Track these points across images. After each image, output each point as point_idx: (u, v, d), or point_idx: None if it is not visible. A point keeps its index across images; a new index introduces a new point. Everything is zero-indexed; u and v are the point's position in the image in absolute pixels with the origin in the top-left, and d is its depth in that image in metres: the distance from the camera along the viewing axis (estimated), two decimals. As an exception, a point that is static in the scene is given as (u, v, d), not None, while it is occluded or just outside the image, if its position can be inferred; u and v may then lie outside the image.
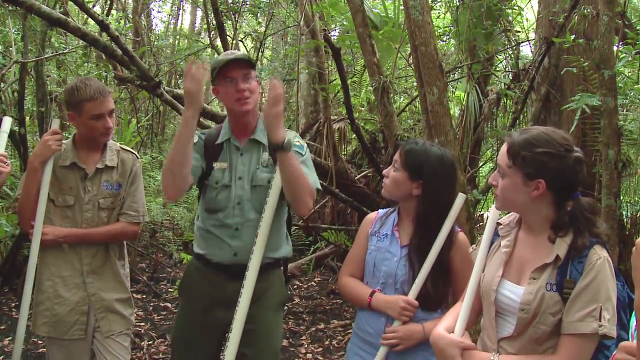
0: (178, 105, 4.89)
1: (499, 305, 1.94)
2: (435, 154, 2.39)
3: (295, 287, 6.88)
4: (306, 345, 5.17)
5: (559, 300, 1.79)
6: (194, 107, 2.47)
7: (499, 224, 2.05)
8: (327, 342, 5.24)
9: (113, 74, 5.57)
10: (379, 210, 2.63)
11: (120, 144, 3.08)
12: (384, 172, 2.49)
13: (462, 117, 7.12)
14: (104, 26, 4.62)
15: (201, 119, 4.98)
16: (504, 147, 1.92)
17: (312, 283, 7.02)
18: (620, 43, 4.60)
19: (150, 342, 5.03)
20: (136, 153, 3.11)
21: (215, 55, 6.49)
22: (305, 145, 2.79)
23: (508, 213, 2.08)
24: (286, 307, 6.05)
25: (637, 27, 5.29)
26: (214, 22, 5.85)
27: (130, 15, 10.82)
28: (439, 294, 2.34)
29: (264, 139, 2.70)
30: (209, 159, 2.74)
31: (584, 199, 1.89)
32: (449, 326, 2.03)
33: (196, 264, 2.83)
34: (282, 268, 2.91)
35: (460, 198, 2.35)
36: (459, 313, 2.03)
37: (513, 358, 1.87)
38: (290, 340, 5.27)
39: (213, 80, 2.69)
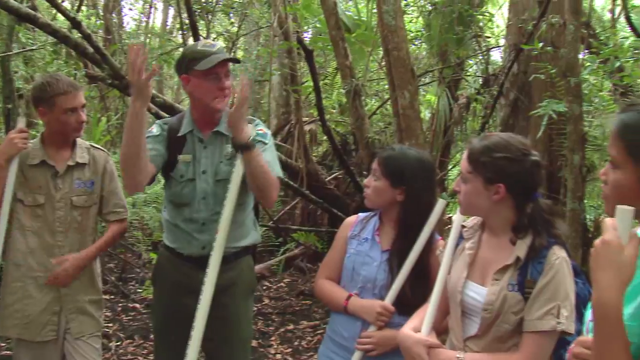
0: (150, 105, 4.85)
1: (464, 305, 1.98)
2: (414, 157, 2.40)
3: (264, 288, 6.87)
4: (275, 346, 5.18)
5: (521, 299, 1.85)
6: (142, 99, 2.38)
7: (463, 226, 2.10)
8: (296, 343, 5.25)
9: (84, 72, 5.51)
10: (359, 214, 2.61)
11: (91, 143, 3.06)
12: (365, 182, 2.48)
13: (433, 120, 7.22)
14: (75, 23, 4.57)
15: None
16: (464, 154, 1.98)
17: (282, 284, 7.02)
18: (586, 51, 4.72)
19: (118, 343, 4.99)
20: (106, 150, 3.10)
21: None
22: (269, 132, 2.78)
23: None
24: (255, 308, 6.06)
25: (601, 37, 5.43)
26: (187, 22, 5.84)
27: (101, 12, 10.70)
28: (416, 300, 2.29)
29: (228, 130, 2.68)
30: (173, 150, 2.70)
31: (542, 201, 1.96)
32: (416, 326, 2.07)
33: (167, 254, 2.83)
34: (251, 255, 2.91)
35: (440, 204, 2.34)
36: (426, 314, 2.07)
37: (478, 356, 1.92)
38: (260, 341, 5.26)
39: (185, 69, 2.61)
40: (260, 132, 2.70)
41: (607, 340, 1.23)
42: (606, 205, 1.41)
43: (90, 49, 4.67)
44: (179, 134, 2.71)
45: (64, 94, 2.73)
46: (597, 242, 1.28)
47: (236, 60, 2.67)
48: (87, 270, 2.92)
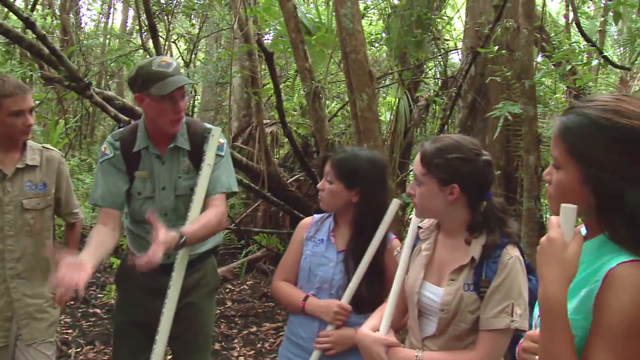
0: (108, 107, 4.81)
1: (421, 306, 2.02)
2: (366, 158, 2.43)
3: (227, 290, 6.84)
4: (238, 349, 5.17)
5: (477, 299, 1.90)
6: None
7: (419, 227, 2.14)
8: (259, 345, 5.25)
9: (39, 73, 5.40)
10: (314, 215, 2.64)
11: (43, 144, 3.01)
12: (319, 186, 2.49)
13: (393, 122, 7.29)
14: (29, 24, 4.47)
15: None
16: (417, 157, 2.03)
17: (245, 286, 7.00)
18: (540, 55, 4.84)
19: (78, 350, 4.91)
20: (59, 152, 3.05)
21: (147, 57, 6.38)
22: (226, 143, 2.77)
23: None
24: (218, 311, 6.03)
25: (554, 42, 5.58)
26: (146, 23, 5.78)
27: (57, 12, 10.50)
28: (373, 299, 2.33)
29: (185, 144, 2.67)
30: (130, 168, 2.67)
31: (495, 199, 2.02)
32: (374, 325, 2.11)
33: (131, 257, 2.80)
34: (214, 254, 2.97)
35: (394, 204, 2.40)
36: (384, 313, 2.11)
37: (436, 355, 1.96)
38: (223, 344, 5.25)
39: (139, 89, 2.55)
40: (218, 144, 2.70)
41: (552, 333, 1.28)
42: (551, 204, 1.47)
43: (46, 50, 4.58)
44: (134, 150, 2.66)
45: (11, 96, 2.64)
46: (542, 239, 1.34)
47: (192, 82, 2.63)
48: (41, 274, 2.86)
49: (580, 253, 1.30)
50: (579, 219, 1.39)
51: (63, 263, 2.17)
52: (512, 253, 1.91)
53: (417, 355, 1.95)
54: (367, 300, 2.34)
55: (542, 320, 1.30)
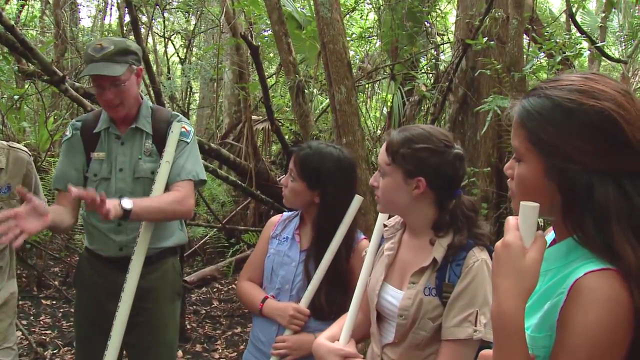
0: (84, 102, 4.64)
1: (381, 310, 1.86)
2: (331, 157, 2.27)
3: (214, 290, 6.72)
4: (220, 350, 5.04)
5: (439, 304, 1.73)
6: None
7: (385, 225, 1.98)
8: (242, 347, 5.10)
9: (16, 67, 5.25)
10: (284, 213, 2.51)
11: (34, 142, 2.87)
12: (282, 181, 2.36)
13: (388, 117, 7.15)
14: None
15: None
16: (383, 146, 1.85)
17: (233, 286, 6.85)
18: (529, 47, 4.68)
19: (55, 351, 4.77)
20: (27, 150, 2.91)
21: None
22: (193, 131, 2.68)
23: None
24: (204, 311, 5.90)
25: (544, 32, 5.39)
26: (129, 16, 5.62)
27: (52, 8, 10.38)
28: (333, 304, 2.21)
29: (148, 127, 2.59)
30: (87, 149, 2.59)
31: (465, 197, 1.84)
32: (334, 334, 1.95)
33: (87, 257, 2.72)
34: (178, 256, 2.80)
35: (356, 201, 2.23)
36: None
37: None
38: (205, 345, 5.12)
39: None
40: (183, 130, 2.60)
41: (506, 353, 1.10)
42: (513, 202, 1.28)
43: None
44: (95, 131, 2.59)
45: None
46: (497, 244, 1.15)
47: (112, 76, 2.42)
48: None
49: (542, 261, 1.10)
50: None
51: (28, 203, 2.13)
52: (478, 256, 1.73)
53: (373, 367, 1.79)
54: (324, 306, 2.20)
55: (495, 339, 1.12)
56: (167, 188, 2.52)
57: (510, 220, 1.16)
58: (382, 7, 7.08)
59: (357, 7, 7.63)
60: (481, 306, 1.68)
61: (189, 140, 2.60)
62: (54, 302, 6.04)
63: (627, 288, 1.06)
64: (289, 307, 2.22)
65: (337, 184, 2.24)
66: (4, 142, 2.79)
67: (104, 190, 2.49)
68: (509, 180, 1.31)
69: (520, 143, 1.21)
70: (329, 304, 2.21)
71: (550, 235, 1.32)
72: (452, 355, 1.70)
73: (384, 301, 1.85)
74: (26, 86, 6.19)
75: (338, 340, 1.92)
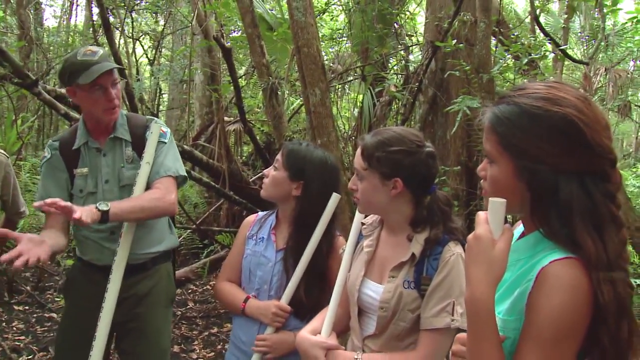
0: (58, 105, 4.64)
1: (362, 304, 1.95)
2: (318, 156, 2.34)
3: (189, 291, 6.72)
4: (198, 350, 5.06)
5: (417, 297, 1.83)
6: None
7: (363, 224, 2.07)
8: (219, 347, 5.15)
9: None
10: (259, 213, 2.56)
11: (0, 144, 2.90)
12: (264, 172, 2.42)
13: (359, 118, 7.25)
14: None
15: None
16: (358, 151, 1.94)
17: (208, 287, 6.88)
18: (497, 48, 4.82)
19: (29, 357, 4.73)
20: (4, 152, 2.93)
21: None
22: (169, 131, 2.71)
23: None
24: (180, 312, 5.92)
25: (513, 35, 5.56)
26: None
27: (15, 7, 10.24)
28: (312, 301, 2.25)
29: (126, 135, 2.61)
30: (69, 166, 2.59)
31: (439, 192, 1.95)
32: (315, 328, 2.03)
33: (80, 267, 2.71)
34: (170, 261, 2.82)
35: (334, 198, 2.28)
36: None
37: (376, 356, 1.89)
38: (182, 345, 5.14)
39: (68, 82, 2.47)
40: (161, 132, 2.64)
41: (479, 336, 1.21)
42: (486, 201, 1.39)
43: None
44: (74, 147, 2.60)
45: None
46: (469, 236, 1.26)
47: (119, 67, 2.53)
48: None
49: (509, 251, 1.22)
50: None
51: (24, 237, 2.14)
52: (454, 250, 1.84)
53: (356, 358, 1.88)
54: (305, 304, 2.25)
55: (469, 323, 1.24)
56: (148, 187, 2.54)
57: (481, 214, 1.27)
58: (352, 9, 7.18)
59: (327, 9, 7.72)
60: (457, 297, 1.78)
61: (166, 141, 2.63)
62: (27, 307, 5.97)
63: (587, 275, 1.19)
64: (270, 305, 2.27)
65: (319, 181, 2.30)
66: None
67: (92, 204, 2.49)
68: (482, 180, 1.41)
69: (491, 147, 1.32)
70: (308, 299, 2.25)
71: (519, 228, 1.44)
72: (430, 343, 1.81)
73: (365, 295, 1.93)
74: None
75: (320, 333, 2.00)
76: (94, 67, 2.41)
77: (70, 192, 2.60)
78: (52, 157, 2.59)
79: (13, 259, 2.04)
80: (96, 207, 2.27)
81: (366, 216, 2.09)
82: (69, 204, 2.18)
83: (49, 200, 2.16)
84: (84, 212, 2.20)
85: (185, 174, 2.70)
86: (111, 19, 9.61)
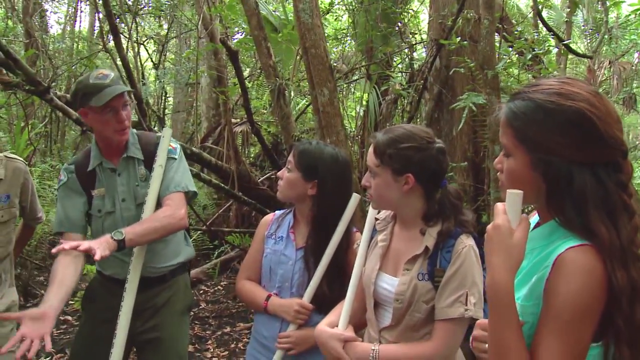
0: (70, 111, 4.71)
1: (377, 296, 2.01)
2: (329, 153, 2.39)
3: (201, 292, 6.80)
4: (212, 350, 5.13)
5: (431, 288, 1.89)
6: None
7: (376, 219, 2.13)
8: (232, 345, 5.22)
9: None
10: (276, 212, 2.60)
11: (11, 151, 2.95)
12: (278, 174, 2.46)
13: (365, 117, 7.30)
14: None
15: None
16: (370, 149, 2.00)
17: (219, 287, 6.96)
18: (501, 45, 4.86)
19: (48, 358, 4.82)
20: (23, 160, 2.99)
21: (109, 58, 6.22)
22: (179, 147, 2.76)
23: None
24: (192, 313, 5.98)
25: (514, 30, 5.60)
26: (108, 24, 5.68)
27: (21, 16, 10.33)
28: (335, 297, 2.27)
29: (138, 153, 2.66)
30: (86, 188, 2.65)
31: (450, 187, 2.01)
32: (333, 321, 2.09)
33: (100, 280, 2.77)
34: (187, 271, 2.89)
35: (354, 198, 2.35)
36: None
37: (392, 347, 1.95)
38: (196, 345, 5.21)
39: (80, 103, 2.53)
40: (171, 148, 2.69)
41: (500, 320, 1.27)
42: (502, 192, 1.45)
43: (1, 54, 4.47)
44: (89, 169, 2.65)
45: None
46: (489, 227, 1.32)
47: (130, 90, 2.61)
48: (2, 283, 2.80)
49: (527, 239, 1.29)
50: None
51: (25, 317, 2.17)
52: (466, 242, 1.90)
53: (373, 349, 1.93)
54: (329, 299, 2.28)
55: (490, 308, 1.30)
56: (158, 203, 2.60)
57: (499, 206, 1.33)
58: (355, 9, 7.23)
59: (331, 10, 7.78)
60: (470, 287, 1.85)
61: (176, 157, 2.69)
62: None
63: (602, 260, 1.25)
64: (293, 303, 2.31)
65: (333, 177, 2.35)
66: (0, 154, 2.87)
67: (111, 223, 2.60)
68: (498, 173, 1.47)
69: (508, 140, 1.38)
70: (331, 297, 2.29)
71: (534, 218, 1.50)
72: (445, 333, 1.87)
73: (380, 288, 1.99)
74: (8, 97, 6.21)
75: (337, 326, 2.06)
76: (106, 90, 2.47)
77: (89, 213, 2.66)
78: (68, 180, 2.65)
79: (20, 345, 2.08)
80: (111, 237, 2.32)
81: (379, 212, 2.15)
82: (87, 245, 2.23)
83: (67, 246, 2.23)
84: (101, 247, 2.25)
85: (195, 190, 2.76)
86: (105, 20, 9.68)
